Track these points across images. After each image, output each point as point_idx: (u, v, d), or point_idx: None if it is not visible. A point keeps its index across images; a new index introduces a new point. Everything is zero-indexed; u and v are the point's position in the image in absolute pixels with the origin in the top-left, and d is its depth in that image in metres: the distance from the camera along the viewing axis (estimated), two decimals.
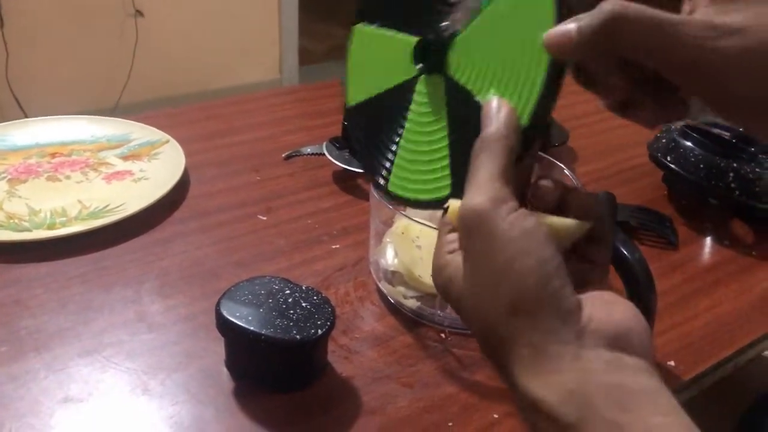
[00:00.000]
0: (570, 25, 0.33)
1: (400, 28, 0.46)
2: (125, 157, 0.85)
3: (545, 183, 0.38)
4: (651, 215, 0.79)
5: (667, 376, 0.58)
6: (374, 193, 0.61)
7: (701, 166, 0.80)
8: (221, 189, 0.81)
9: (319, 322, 0.51)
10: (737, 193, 0.79)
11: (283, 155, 0.88)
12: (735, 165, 0.80)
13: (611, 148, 0.97)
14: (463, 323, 0.38)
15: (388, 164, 0.45)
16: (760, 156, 0.82)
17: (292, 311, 0.52)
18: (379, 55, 0.47)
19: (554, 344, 0.31)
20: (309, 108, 1.06)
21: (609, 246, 0.38)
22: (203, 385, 0.54)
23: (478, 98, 0.39)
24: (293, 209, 0.77)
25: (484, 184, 0.34)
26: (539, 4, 0.37)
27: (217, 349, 0.56)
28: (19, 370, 0.54)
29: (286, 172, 0.85)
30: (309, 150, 0.88)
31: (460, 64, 0.41)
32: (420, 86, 0.44)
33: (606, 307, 0.33)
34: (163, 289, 0.64)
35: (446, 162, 0.41)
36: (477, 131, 0.37)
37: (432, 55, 0.42)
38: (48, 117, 0.93)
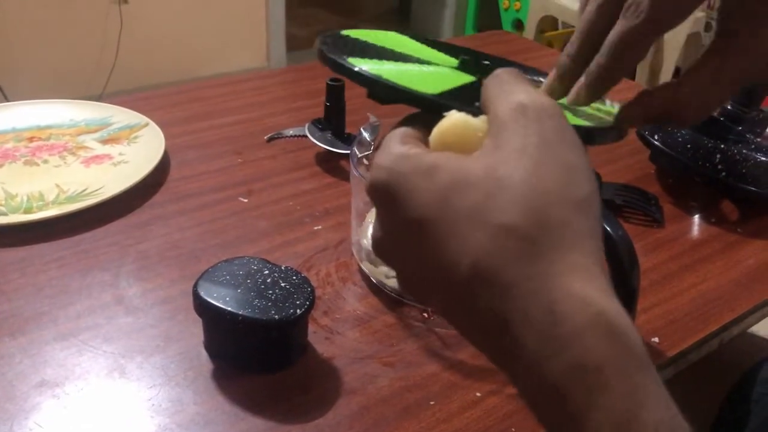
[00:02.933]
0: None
1: (439, 48, 0.49)
2: (104, 141, 0.84)
3: None
4: (637, 193, 0.79)
5: (652, 353, 0.57)
6: (354, 171, 0.60)
7: (688, 146, 0.80)
8: (202, 172, 0.80)
9: (298, 302, 0.51)
10: (724, 174, 0.78)
11: (265, 137, 0.87)
12: (722, 146, 0.79)
13: None
14: (431, 220, 0.29)
15: (359, 55, 0.41)
16: (747, 136, 0.82)
17: (270, 291, 0.51)
18: (405, 44, 0.47)
19: (601, 265, 0.28)
20: (292, 90, 1.05)
21: None
22: (181, 367, 0.53)
23: None
24: (275, 191, 0.76)
25: (543, 94, 0.32)
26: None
27: (195, 331, 0.55)
28: None
29: (268, 155, 0.84)
30: (291, 132, 0.87)
31: None
32: (445, 68, 0.44)
33: None
34: (141, 272, 0.63)
35: (445, 84, 0.39)
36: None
37: (478, 64, 0.45)
38: (26, 101, 0.91)
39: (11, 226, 0.67)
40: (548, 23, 2.96)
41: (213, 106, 0.97)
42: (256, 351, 0.52)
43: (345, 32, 0.47)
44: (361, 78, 0.39)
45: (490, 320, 0.28)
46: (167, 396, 0.50)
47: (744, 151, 0.79)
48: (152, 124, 0.85)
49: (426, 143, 0.34)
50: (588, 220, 0.28)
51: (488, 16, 3.47)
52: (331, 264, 0.65)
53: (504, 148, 0.29)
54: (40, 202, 0.71)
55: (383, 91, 0.38)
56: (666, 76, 2.56)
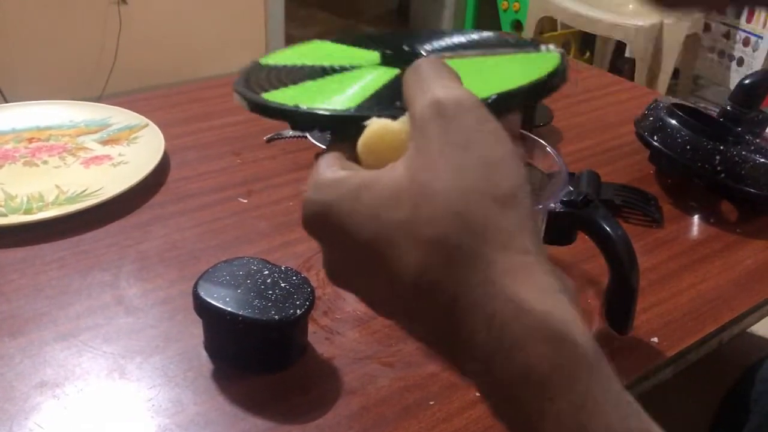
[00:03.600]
0: None
1: (362, 46, 0.46)
2: (104, 142, 0.84)
3: None
4: (636, 194, 0.79)
5: (651, 353, 0.57)
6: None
7: (687, 147, 0.80)
8: (201, 172, 0.80)
9: (298, 302, 0.51)
10: (723, 175, 0.78)
11: (265, 138, 0.87)
12: (722, 147, 0.79)
13: (597, 127, 0.97)
14: (370, 242, 0.29)
15: (276, 86, 0.40)
16: (747, 137, 0.82)
17: (270, 292, 0.51)
18: (326, 53, 0.46)
19: (545, 261, 0.27)
20: None
21: None
22: (181, 368, 0.53)
23: None
24: (274, 192, 0.77)
25: (461, 86, 0.30)
26: (543, 64, 0.38)
27: (195, 331, 0.55)
28: None
29: (268, 155, 0.84)
30: (291, 133, 0.87)
31: None
32: (366, 69, 0.42)
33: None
34: (141, 272, 0.63)
35: (361, 96, 0.37)
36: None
37: (400, 55, 0.42)
38: (26, 102, 0.91)
39: (11, 226, 0.67)
40: (547, 24, 2.97)
41: (212, 106, 0.97)
42: (256, 351, 0.53)
43: (263, 61, 0.46)
44: (278, 112, 0.37)
45: (444, 330, 0.27)
46: (167, 396, 0.50)
47: (743, 152, 0.79)
48: (152, 124, 0.85)
49: (356, 159, 0.33)
50: (517, 214, 0.27)
51: (487, 17, 3.47)
52: None
53: (423, 151, 0.28)
54: (40, 203, 0.71)
55: (302, 119, 0.37)
56: (665, 76, 2.56)
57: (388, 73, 0.41)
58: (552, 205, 0.55)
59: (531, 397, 0.25)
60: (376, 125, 0.33)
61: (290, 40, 3.26)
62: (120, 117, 0.88)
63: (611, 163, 0.86)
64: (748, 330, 0.67)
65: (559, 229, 0.56)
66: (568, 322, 0.26)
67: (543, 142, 0.63)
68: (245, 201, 0.75)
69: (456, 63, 0.36)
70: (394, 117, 0.33)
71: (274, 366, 0.53)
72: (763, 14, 2.54)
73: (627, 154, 0.88)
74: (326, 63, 0.44)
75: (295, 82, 0.41)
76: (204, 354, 0.54)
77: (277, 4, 3.11)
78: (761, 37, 2.59)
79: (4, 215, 0.69)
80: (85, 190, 0.73)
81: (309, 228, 0.31)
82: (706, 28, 2.67)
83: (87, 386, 0.51)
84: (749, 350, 0.72)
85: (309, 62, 0.44)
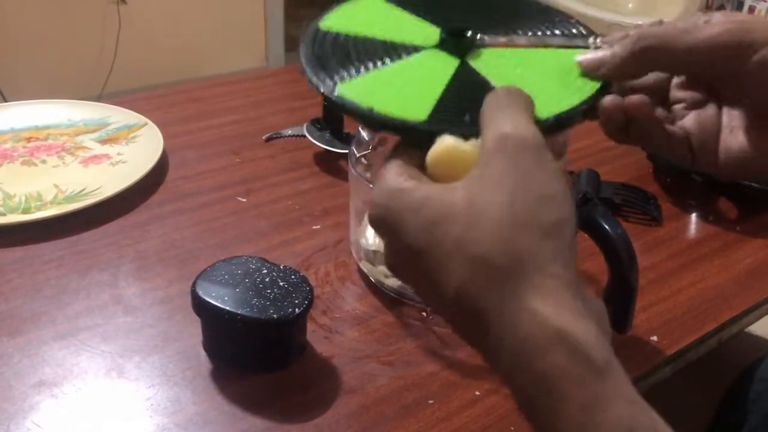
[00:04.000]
0: (605, 51, 0.42)
1: (421, 15, 0.47)
2: (103, 141, 0.84)
3: None
4: (635, 192, 0.79)
5: (650, 352, 0.57)
6: (352, 170, 0.60)
7: None
8: (200, 172, 0.80)
9: (296, 301, 0.51)
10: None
11: (264, 137, 0.87)
12: None
13: (597, 126, 0.96)
14: (422, 251, 0.33)
15: (347, 75, 0.41)
16: None
17: (269, 291, 0.51)
18: (386, 20, 0.46)
19: (576, 286, 0.31)
20: (290, 90, 1.05)
21: None
22: (180, 367, 0.53)
23: (494, 83, 0.40)
24: (273, 191, 0.76)
25: (527, 122, 0.34)
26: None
27: (193, 331, 0.55)
28: None
29: (267, 154, 0.84)
30: (289, 132, 0.87)
31: (485, 60, 0.42)
32: (427, 53, 0.43)
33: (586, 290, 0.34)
34: (139, 272, 0.63)
35: (433, 97, 0.39)
36: (481, 98, 0.37)
37: (461, 39, 0.43)
38: (24, 101, 0.91)
39: (9, 226, 0.67)
40: None
41: (211, 106, 0.97)
42: (254, 350, 0.52)
43: (323, 25, 0.46)
44: (354, 112, 0.39)
45: (476, 334, 0.32)
46: (166, 395, 0.50)
47: None
48: (150, 124, 0.85)
49: (421, 166, 0.36)
50: (555, 244, 0.31)
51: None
52: (329, 263, 0.65)
53: (485, 179, 0.32)
54: (39, 202, 0.71)
55: (376, 123, 0.38)
56: None
57: (450, 65, 0.42)
58: None
59: (546, 398, 0.29)
60: (447, 143, 0.35)
61: (290, 40, 3.26)
62: (119, 116, 0.88)
63: (610, 162, 0.86)
64: (747, 329, 0.67)
65: None
66: (581, 336, 0.29)
67: None
68: (244, 200, 0.75)
69: (507, 53, 0.43)
70: (465, 136, 0.35)
71: (273, 365, 0.53)
72: (762, 13, 2.54)
73: (626, 153, 0.88)
74: (387, 37, 0.44)
75: (362, 68, 0.41)
76: (203, 353, 0.54)
77: (277, 4, 3.11)
78: None
79: (3, 214, 0.68)
80: (83, 190, 0.73)
81: (375, 227, 0.35)
82: None
83: (85, 385, 0.51)
84: (748, 350, 0.72)
85: (369, 33, 0.44)
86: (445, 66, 0.42)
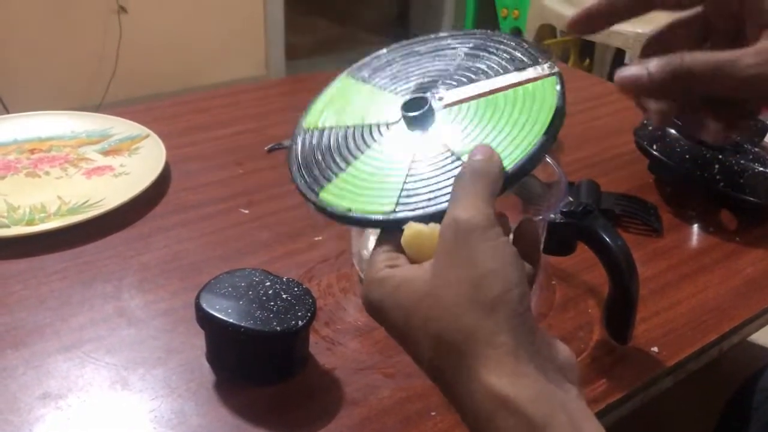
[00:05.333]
0: (642, 70, 0.42)
1: (386, 88, 0.51)
2: (105, 153, 0.84)
3: (503, 218, 0.41)
4: (636, 203, 0.79)
5: (651, 362, 0.58)
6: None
7: (687, 156, 0.80)
8: (203, 183, 0.80)
9: (299, 314, 0.51)
10: (722, 184, 0.78)
11: (266, 148, 0.87)
12: (720, 156, 0.80)
13: (596, 137, 0.97)
14: (403, 333, 0.38)
15: (326, 178, 0.47)
16: (745, 146, 0.82)
17: (272, 303, 0.52)
18: (357, 100, 0.52)
19: (524, 349, 0.34)
20: (292, 101, 1.06)
21: (539, 267, 0.43)
22: (184, 379, 0.53)
23: (455, 150, 0.44)
24: (276, 202, 0.77)
25: (479, 204, 0.37)
26: (544, 98, 0.44)
27: (197, 342, 0.55)
28: None
29: (269, 165, 0.85)
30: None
31: (445, 124, 0.46)
32: (394, 130, 0.47)
33: (551, 342, 0.38)
34: (143, 284, 0.63)
35: (399, 186, 0.43)
36: (443, 171, 0.42)
37: (420, 110, 0.46)
38: (27, 113, 0.92)
39: (13, 238, 0.67)
40: (546, 31, 2.97)
41: (213, 117, 0.97)
42: (258, 362, 0.53)
43: (307, 124, 0.52)
44: (334, 216, 0.45)
45: (451, 399, 0.37)
46: (170, 408, 0.51)
47: (742, 161, 0.80)
48: (153, 135, 0.86)
49: (399, 247, 0.41)
50: (499, 317, 0.34)
51: (487, 25, 3.48)
52: (332, 275, 0.65)
53: (438, 263, 0.37)
54: (42, 214, 0.71)
55: (354, 223, 0.44)
56: None
57: (411, 141, 0.46)
58: (552, 215, 0.55)
59: None
60: (412, 231, 0.40)
61: (290, 47, 3.27)
62: (121, 127, 0.89)
63: (611, 173, 0.87)
64: (748, 339, 0.67)
65: (559, 240, 0.57)
66: (520, 399, 0.33)
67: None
68: (246, 211, 0.75)
69: (464, 109, 0.46)
70: (426, 220, 0.40)
71: (276, 377, 0.53)
72: None
73: (626, 164, 0.89)
74: (358, 121, 0.50)
75: (338, 169, 0.47)
76: (206, 365, 0.54)
77: (277, 12, 3.12)
78: None
79: (7, 226, 0.69)
80: (86, 201, 0.74)
81: (368, 312, 0.40)
82: None
83: (90, 397, 0.51)
84: (749, 359, 0.72)
85: (343, 122, 0.50)
86: (410, 143, 0.46)
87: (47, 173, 0.80)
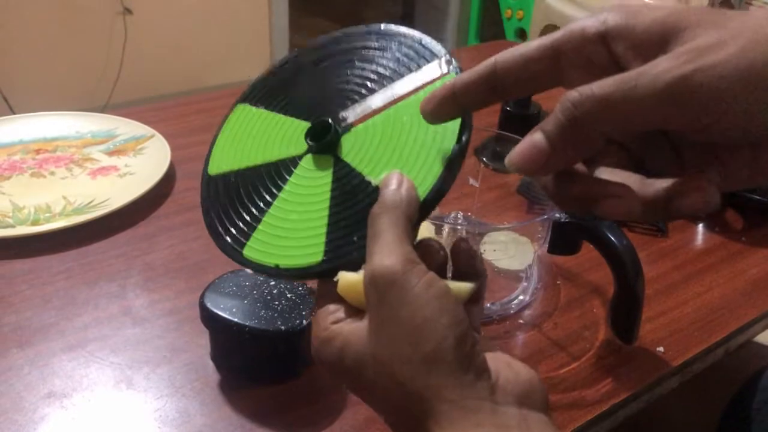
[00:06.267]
0: (536, 135, 0.32)
1: (288, 113, 0.47)
2: (110, 153, 0.84)
3: (431, 243, 0.38)
4: None
5: (657, 362, 0.57)
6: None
7: None
8: None
9: (304, 313, 0.51)
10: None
11: None
12: None
13: None
14: (361, 392, 0.37)
15: (247, 231, 0.43)
16: None
17: (276, 302, 0.52)
18: (260, 133, 0.47)
19: (472, 399, 0.32)
20: None
21: (482, 304, 0.41)
22: (188, 378, 0.53)
23: (368, 178, 0.40)
24: None
25: (394, 247, 0.34)
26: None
27: (202, 342, 0.55)
28: (1, 367, 0.53)
29: None
30: None
31: (353, 148, 0.42)
32: (304, 163, 0.43)
33: (509, 367, 0.34)
34: (148, 283, 0.63)
35: (322, 231, 0.40)
36: (362, 205, 0.39)
37: (325, 137, 0.42)
38: (32, 113, 0.92)
39: (19, 237, 0.68)
40: (551, 32, 2.97)
41: (218, 117, 0.96)
42: (262, 362, 0.53)
43: (212, 170, 0.48)
44: (265, 272, 0.41)
45: None
46: (174, 407, 0.51)
47: None
48: (158, 135, 0.86)
49: (340, 297, 0.38)
50: (438, 372, 0.32)
51: (491, 26, 3.48)
52: None
53: (371, 323, 0.34)
54: (47, 214, 0.72)
55: (286, 276, 0.41)
56: None
57: (326, 173, 0.42)
58: (557, 215, 0.55)
59: None
60: (343, 281, 0.37)
61: (294, 48, 3.28)
62: (126, 128, 0.89)
63: None
64: (755, 339, 0.67)
65: (564, 239, 0.56)
66: None
67: None
68: None
69: (370, 126, 0.42)
70: (356, 267, 0.37)
71: (281, 376, 0.53)
72: None
73: None
74: (266, 158, 0.45)
75: (254, 218, 0.43)
76: (211, 365, 0.54)
77: (281, 13, 3.13)
78: None
79: (12, 226, 0.69)
80: (91, 201, 0.74)
81: (322, 369, 0.38)
82: None
83: (94, 397, 0.51)
84: (755, 359, 0.72)
85: (250, 161, 0.46)
86: (322, 178, 0.42)
87: (52, 173, 0.80)
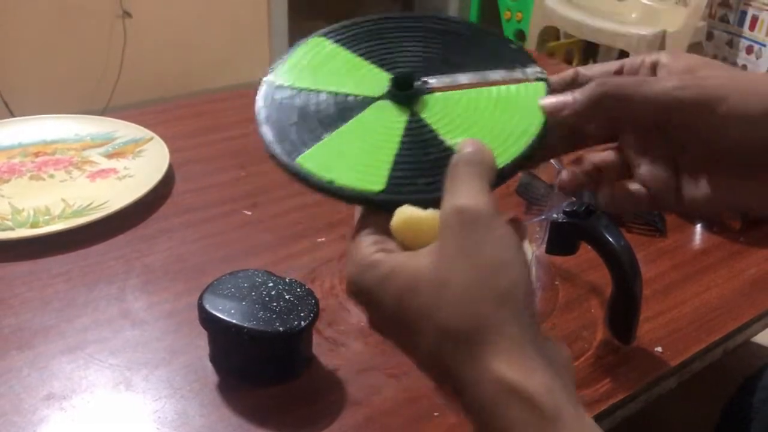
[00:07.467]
0: (569, 95, 0.43)
1: (368, 59, 0.48)
2: (109, 155, 0.84)
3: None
4: None
5: (655, 362, 0.58)
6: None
7: None
8: (206, 185, 0.80)
9: (302, 314, 0.51)
10: None
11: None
12: None
13: None
14: (393, 321, 0.36)
15: (305, 143, 0.43)
16: None
17: (275, 304, 0.52)
18: (335, 66, 0.48)
19: (531, 345, 0.34)
20: None
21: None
22: (187, 380, 0.53)
23: (442, 137, 0.42)
24: (279, 204, 0.77)
25: (480, 192, 0.36)
26: (534, 92, 0.44)
27: (200, 344, 0.55)
28: (1, 368, 0.53)
29: (272, 168, 0.83)
30: None
31: (432, 109, 0.44)
32: (378, 105, 0.45)
33: (553, 341, 0.37)
34: (147, 285, 0.63)
35: (386, 167, 0.41)
36: (432, 157, 0.40)
37: (407, 89, 0.44)
38: (31, 116, 0.92)
39: (18, 240, 0.68)
40: (550, 33, 2.97)
41: (216, 119, 0.97)
42: (261, 363, 0.53)
43: (278, 80, 0.48)
44: (316, 186, 0.41)
45: (450, 391, 0.35)
46: (173, 408, 0.51)
47: None
48: (157, 138, 0.86)
49: (388, 231, 0.38)
50: (509, 309, 0.34)
51: (490, 27, 3.48)
52: (335, 276, 0.65)
53: (444, 252, 0.35)
54: (47, 217, 0.72)
55: (338, 196, 0.41)
56: None
57: (400, 121, 0.44)
58: (555, 215, 0.55)
59: None
60: (405, 215, 0.37)
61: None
62: (125, 130, 0.89)
63: None
64: (753, 339, 0.67)
65: (562, 240, 0.57)
66: (531, 389, 0.33)
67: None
68: (249, 213, 0.75)
69: (453, 96, 0.44)
70: (423, 205, 0.37)
71: (279, 377, 0.53)
72: (766, 22, 2.55)
73: None
74: (338, 89, 0.46)
75: (318, 134, 0.43)
76: (209, 366, 0.54)
77: (281, 16, 3.13)
78: (764, 45, 2.59)
79: (11, 229, 0.69)
80: (90, 204, 0.74)
81: (352, 298, 0.38)
82: (709, 36, 2.67)
83: (94, 398, 0.51)
84: (753, 359, 0.72)
85: (321, 86, 0.46)
86: (396, 121, 0.44)
87: (51, 176, 0.80)
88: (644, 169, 0.43)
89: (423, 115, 0.44)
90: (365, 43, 0.49)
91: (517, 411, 0.32)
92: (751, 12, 2.58)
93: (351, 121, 0.44)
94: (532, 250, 0.62)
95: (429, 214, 0.37)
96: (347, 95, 0.46)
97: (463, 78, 0.46)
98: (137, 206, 0.73)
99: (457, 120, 0.43)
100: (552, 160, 0.62)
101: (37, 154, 0.85)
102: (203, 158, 0.87)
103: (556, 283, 0.66)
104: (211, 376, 0.54)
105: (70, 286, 0.63)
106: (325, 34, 0.50)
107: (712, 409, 0.66)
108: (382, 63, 0.47)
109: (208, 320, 0.51)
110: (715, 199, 0.42)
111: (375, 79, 0.46)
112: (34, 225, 0.70)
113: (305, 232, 0.72)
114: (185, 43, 2.88)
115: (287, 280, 0.54)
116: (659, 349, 0.59)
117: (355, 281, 0.37)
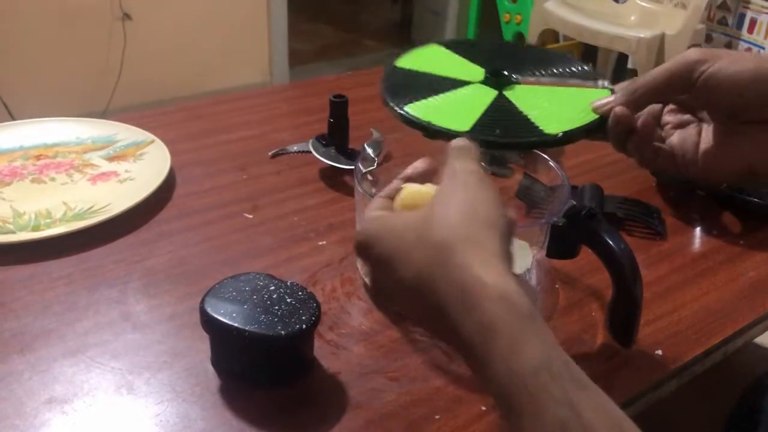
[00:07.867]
0: (611, 98, 0.64)
1: (470, 59, 0.72)
2: (110, 158, 0.85)
3: None
4: (639, 206, 0.79)
5: (655, 365, 0.58)
6: (358, 187, 0.61)
7: None
8: (207, 188, 0.81)
9: (303, 317, 0.51)
10: (725, 186, 0.78)
11: (270, 153, 0.88)
12: None
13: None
14: (395, 253, 0.44)
15: (413, 99, 0.64)
16: None
17: (276, 307, 0.52)
18: (444, 61, 0.72)
19: (506, 259, 0.41)
20: (295, 106, 1.06)
21: None
22: (189, 383, 0.53)
23: (520, 108, 0.64)
24: (279, 207, 0.77)
25: (474, 163, 0.47)
26: (600, 95, 0.66)
27: (202, 347, 0.55)
28: (2, 372, 0.53)
29: (273, 170, 0.85)
30: (295, 148, 0.88)
31: (515, 92, 0.66)
32: (473, 86, 0.67)
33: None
34: (148, 288, 0.63)
35: (474, 118, 0.61)
36: (507, 119, 0.62)
37: (500, 77, 0.68)
38: (32, 119, 0.92)
39: (19, 243, 0.68)
40: (549, 36, 2.98)
41: (217, 122, 0.98)
42: (262, 366, 0.53)
43: (398, 63, 0.71)
44: (416, 125, 0.62)
45: (434, 314, 0.41)
46: (175, 412, 0.51)
47: None
48: (158, 141, 0.86)
49: (390, 208, 0.51)
50: (492, 231, 0.42)
51: (489, 30, 3.48)
52: (336, 279, 0.66)
53: (442, 192, 0.45)
54: (48, 220, 0.72)
55: (432, 133, 0.60)
56: None
57: (490, 95, 0.65)
58: (555, 219, 0.56)
59: (483, 337, 0.38)
60: (410, 189, 0.51)
61: (293, 54, 3.28)
62: (126, 133, 0.89)
63: (613, 176, 0.87)
64: (754, 341, 0.67)
65: (562, 243, 0.57)
66: (509, 290, 0.38)
67: (545, 156, 0.64)
68: (251, 216, 0.75)
69: (535, 89, 0.67)
70: (497, 149, 0.59)
71: (281, 381, 0.53)
72: (764, 25, 2.55)
73: (629, 167, 0.89)
74: (444, 74, 0.69)
75: (425, 96, 0.65)
76: (211, 369, 0.54)
77: (281, 18, 3.13)
78: (763, 48, 2.59)
79: (12, 232, 0.69)
80: (92, 207, 0.74)
81: (356, 249, 0.48)
82: (708, 39, 2.68)
83: (95, 402, 0.51)
84: (755, 362, 0.72)
85: (432, 71, 0.69)
86: (486, 96, 0.64)
87: (53, 179, 0.80)
88: (675, 136, 0.65)
89: (508, 96, 0.64)
90: (471, 51, 0.72)
91: (494, 304, 0.38)
92: (749, 14, 2.58)
93: (450, 91, 0.65)
94: (533, 253, 0.62)
95: (428, 187, 0.50)
96: (451, 78, 0.67)
97: (546, 79, 0.67)
98: (138, 209, 0.74)
99: (536, 101, 0.63)
100: (551, 162, 0.63)
101: (38, 157, 0.85)
102: (204, 161, 0.87)
103: (557, 286, 0.66)
104: (212, 379, 0.54)
105: (71, 290, 0.63)
106: (438, 42, 0.75)
107: (712, 412, 0.66)
108: (482, 64, 0.69)
109: (209, 323, 0.51)
110: (719, 159, 0.63)
111: (475, 72, 0.68)
112: (35, 228, 0.70)
113: (306, 235, 0.72)
114: (185, 45, 2.89)
115: (288, 283, 0.54)
116: (659, 352, 0.59)
117: (362, 231, 0.46)
